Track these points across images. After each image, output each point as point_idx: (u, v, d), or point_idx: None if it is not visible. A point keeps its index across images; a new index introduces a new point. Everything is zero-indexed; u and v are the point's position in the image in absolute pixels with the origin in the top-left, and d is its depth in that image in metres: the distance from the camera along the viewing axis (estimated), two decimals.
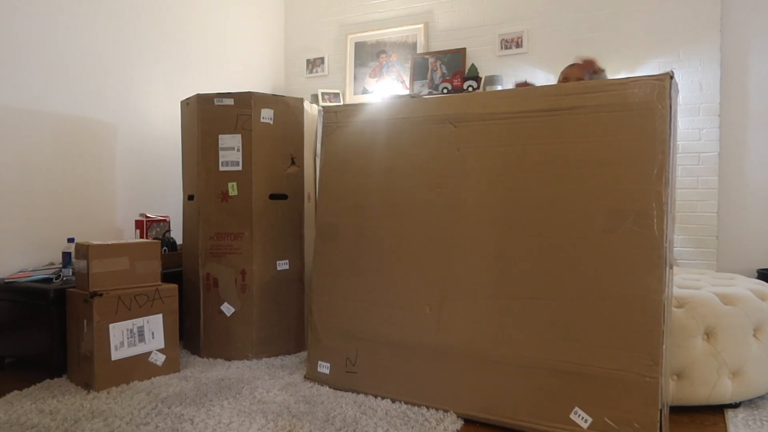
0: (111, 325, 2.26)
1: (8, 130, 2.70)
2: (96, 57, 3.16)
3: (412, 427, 1.88)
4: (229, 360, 2.66)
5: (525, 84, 3.09)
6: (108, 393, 2.18)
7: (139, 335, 2.34)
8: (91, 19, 3.13)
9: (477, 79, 3.96)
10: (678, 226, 3.51)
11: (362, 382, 2.20)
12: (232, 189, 2.69)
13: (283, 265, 2.77)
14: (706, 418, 1.99)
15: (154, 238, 3.12)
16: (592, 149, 1.85)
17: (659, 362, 1.68)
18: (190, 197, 2.80)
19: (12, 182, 2.71)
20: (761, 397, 2.16)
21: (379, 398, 2.14)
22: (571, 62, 3.64)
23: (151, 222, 3.18)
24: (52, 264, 2.83)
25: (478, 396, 1.96)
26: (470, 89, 3.95)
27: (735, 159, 3.44)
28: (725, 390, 2.01)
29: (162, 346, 2.42)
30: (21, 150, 2.76)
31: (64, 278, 2.58)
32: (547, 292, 1.88)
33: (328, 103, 4.44)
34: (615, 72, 3.65)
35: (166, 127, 3.64)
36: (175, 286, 2.48)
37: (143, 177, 3.48)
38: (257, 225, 2.69)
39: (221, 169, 2.69)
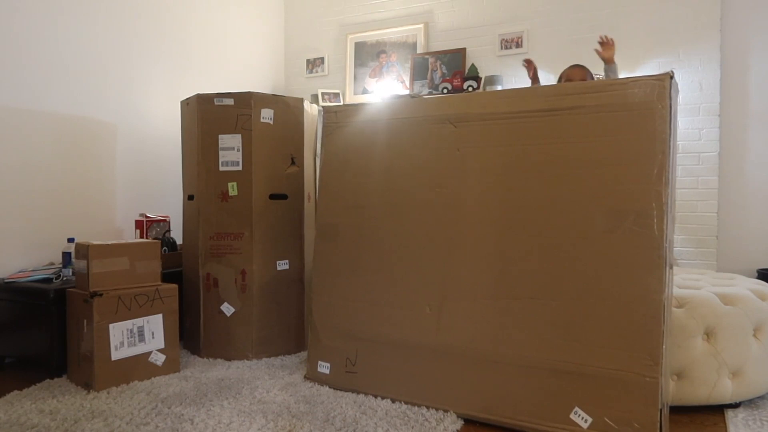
0: (111, 325, 2.26)
1: (8, 130, 2.70)
2: (96, 57, 3.16)
3: (412, 427, 1.88)
4: (229, 360, 2.66)
5: (530, 62, 3.08)
6: (108, 393, 2.18)
7: (139, 335, 2.34)
8: (91, 19, 3.13)
9: (477, 79, 3.96)
10: (678, 226, 3.51)
11: (362, 382, 2.20)
12: (232, 189, 2.69)
13: (283, 265, 2.77)
14: (706, 418, 1.99)
15: (154, 238, 3.12)
16: (592, 149, 1.85)
17: (659, 362, 1.68)
18: (190, 197, 2.80)
19: (12, 182, 2.71)
20: (761, 397, 2.16)
21: (379, 398, 2.14)
22: (572, 63, 3.64)
23: (151, 222, 3.18)
24: (52, 264, 2.83)
25: (478, 396, 1.96)
26: (470, 89, 3.95)
27: (735, 159, 3.44)
28: (725, 390, 2.01)
29: (162, 346, 2.42)
30: (21, 150, 2.76)
31: (64, 278, 2.58)
32: (547, 292, 1.88)
33: (328, 103, 4.44)
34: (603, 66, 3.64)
35: (166, 127, 3.64)
36: (175, 286, 2.48)
37: (143, 177, 3.48)
38: (257, 225, 2.69)
39: (221, 169, 2.69)
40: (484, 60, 4.10)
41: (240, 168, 2.68)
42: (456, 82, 4.02)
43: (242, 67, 4.41)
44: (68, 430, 1.84)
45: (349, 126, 2.36)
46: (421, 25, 4.32)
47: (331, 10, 4.73)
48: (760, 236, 3.40)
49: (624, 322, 1.74)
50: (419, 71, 4.27)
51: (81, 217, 3.06)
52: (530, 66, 3.08)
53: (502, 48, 4.03)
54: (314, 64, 4.79)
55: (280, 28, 4.91)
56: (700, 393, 2.00)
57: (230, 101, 2.67)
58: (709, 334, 2.01)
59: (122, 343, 2.29)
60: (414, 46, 4.34)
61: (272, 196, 2.74)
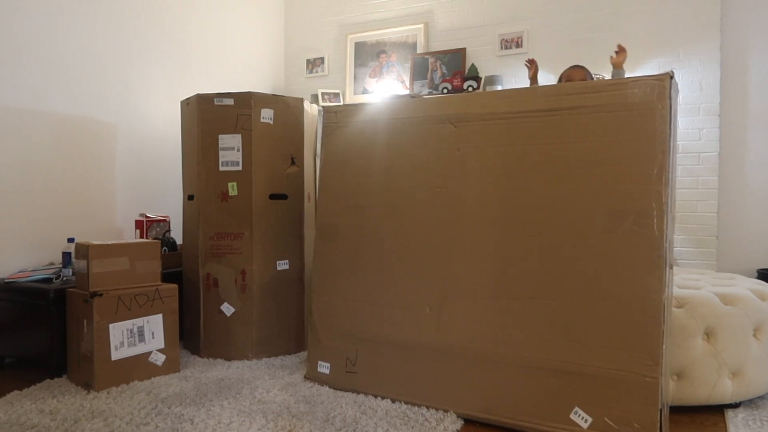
0: (111, 325, 2.26)
1: (8, 130, 2.70)
2: (96, 57, 3.16)
3: (412, 427, 1.88)
4: (229, 360, 2.66)
5: (533, 61, 3.07)
6: (108, 393, 2.18)
7: (139, 335, 2.34)
8: (91, 19, 3.13)
9: (477, 79, 3.96)
10: (678, 226, 3.51)
11: (362, 382, 2.20)
12: (232, 189, 2.69)
13: (283, 265, 2.77)
14: (706, 418, 1.99)
15: (154, 238, 3.12)
16: (592, 149, 1.85)
17: (659, 362, 1.68)
18: (190, 197, 2.80)
19: (12, 182, 2.71)
20: (761, 397, 2.16)
21: (379, 398, 2.14)
22: (573, 64, 3.64)
23: (151, 222, 3.18)
24: (52, 264, 2.83)
25: (478, 396, 1.96)
26: (470, 89, 3.95)
27: (735, 159, 3.44)
28: (725, 390, 2.01)
29: (162, 346, 2.42)
30: (21, 150, 2.76)
31: (64, 278, 2.58)
32: (547, 292, 1.88)
33: (328, 103, 4.44)
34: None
35: (166, 127, 3.64)
36: (175, 286, 2.48)
37: (143, 177, 3.48)
38: (257, 225, 2.69)
39: (221, 169, 2.69)
40: (484, 60, 4.10)
41: (240, 168, 2.68)
42: (456, 82, 4.02)
43: (242, 67, 4.41)
44: (68, 430, 1.84)
45: (349, 126, 2.36)
46: (421, 25, 4.32)
47: (331, 10, 4.73)
48: (760, 236, 3.40)
49: (624, 322, 1.74)
50: (419, 71, 4.27)
51: (81, 217, 3.06)
52: (532, 65, 3.08)
53: (502, 48, 4.03)
54: (314, 64, 4.79)
55: (280, 28, 4.91)
56: (700, 393, 2.00)
57: (230, 101, 2.67)
58: (709, 334, 2.01)
59: (122, 343, 2.29)
60: (414, 46, 4.34)
61: (272, 196, 2.74)
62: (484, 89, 3.97)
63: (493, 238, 2.00)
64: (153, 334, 2.39)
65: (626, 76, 3.31)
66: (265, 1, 4.69)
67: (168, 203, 3.63)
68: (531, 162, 1.95)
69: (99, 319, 2.22)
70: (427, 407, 2.04)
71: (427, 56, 4.26)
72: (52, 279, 2.56)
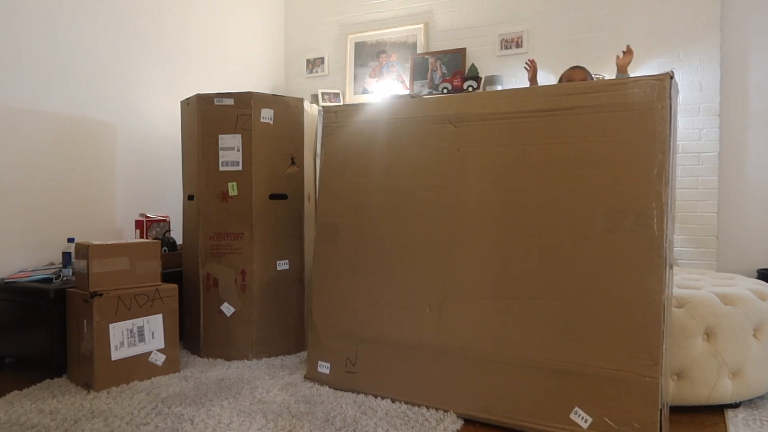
0: (111, 325, 2.26)
1: (8, 130, 2.70)
2: (96, 57, 3.16)
3: (412, 427, 1.88)
4: (229, 360, 2.66)
5: (533, 62, 3.07)
6: (108, 393, 2.18)
7: (139, 335, 2.34)
8: (91, 19, 3.13)
9: (477, 79, 3.96)
10: (678, 226, 3.51)
11: (362, 382, 2.20)
12: (232, 189, 2.69)
13: (283, 265, 2.77)
14: (706, 418, 1.99)
15: (154, 238, 3.12)
16: (592, 149, 1.85)
17: (659, 362, 1.68)
18: (190, 197, 2.80)
19: (12, 182, 2.71)
20: (761, 397, 2.16)
21: (379, 398, 2.14)
22: (573, 64, 3.64)
23: (151, 222, 3.18)
24: (52, 264, 2.83)
25: (478, 396, 1.96)
26: (470, 89, 3.95)
27: (735, 159, 3.44)
28: (725, 390, 2.01)
29: (162, 346, 2.42)
30: (21, 150, 2.76)
31: (64, 278, 2.58)
32: (547, 292, 1.88)
33: (328, 103, 4.44)
34: (615, 72, 3.65)
35: (166, 127, 3.64)
36: (175, 286, 2.48)
37: (143, 177, 3.48)
38: (257, 225, 2.69)
39: (221, 169, 2.69)
40: (484, 60, 4.10)
41: (240, 168, 2.68)
42: (456, 82, 4.02)
43: (242, 67, 4.41)
44: (68, 430, 1.84)
45: (349, 126, 2.36)
46: (421, 25, 4.32)
47: (331, 10, 4.73)
48: (760, 236, 3.40)
49: (624, 322, 1.74)
50: (419, 71, 4.27)
51: (81, 217, 3.06)
52: (532, 66, 3.08)
53: (502, 48, 4.03)
54: (314, 64, 4.79)
55: (280, 28, 4.91)
56: (700, 393, 2.00)
57: (230, 101, 2.67)
58: (709, 334, 2.01)
59: (122, 343, 2.29)
60: (414, 46, 4.34)
61: (272, 196, 2.74)
62: (484, 89, 3.97)
63: (493, 238, 2.00)
64: (153, 334, 2.39)
65: (610, 76, 3.31)
66: (265, 1, 4.69)
67: (168, 203, 3.63)
68: (531, 162, 1.95)
69: (99, 319, 2.22)
70: (427, 407, 2.04)
71: (427, 56, 4.26)
72: (52, 279, 2.56)
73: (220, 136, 2.68)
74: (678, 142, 3.50)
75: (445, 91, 4.03)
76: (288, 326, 2.79)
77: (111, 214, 3.25)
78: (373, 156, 2.29)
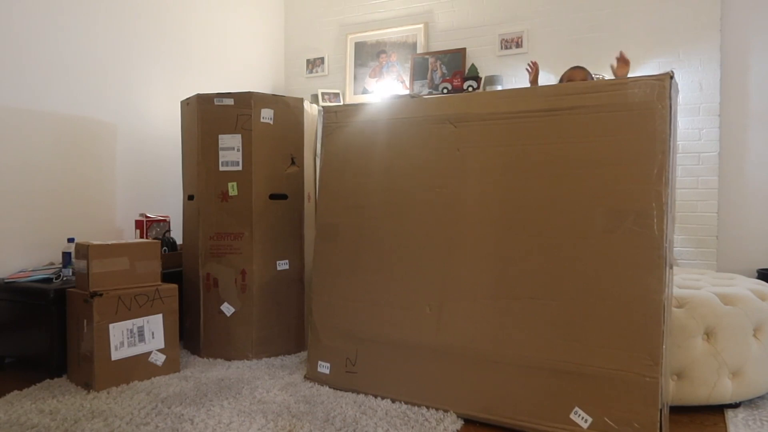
0: (111, 325, 2.26)
1: (8, 130, 2.70)
2: (96, 57, 3.16)
3: (412, 427, 1.88)
4: (229, 360, 2.66)
5: (534, 64, 3.06)
6: (108, 393, 2.18)
7: (139, 335, 2.34)
8: (91, 19, 3.13)
9: (477, 79, 3.96)
10: (678, 226, 3.51)
11: (362, 382, 2.20)
12: (232, 189, 2.69)
13: (283, 265, 2.77)
14: (706, 418, 1.99)
15: (154, 238, 3.12)
16: (592, 149, 1.85)
17: (659, 362, 1.68)
18: (190, 197, 2.80)
19: (12, 182, 2.71)
20: (761, 397, 2.16)
21: (379, 398, 2.14)
22: (573, 64, 3.64)
23: (151, 222, 3.18)
24: (52, 264, 2.83)
25: (478, 396, 1.96)
26: (470, 89, 3.95)
27: (735, 159, 3.44)
28: (725, 390, 2.01)
29: (162, 346, 2.42)
30: (21, 150, 2.76)
31: (64, 278, 2.58)
32: (547, 292, 1.88)
33: (328, 103, 4.44)
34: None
35: (166, 127, 3.64)
36: (175, 286, 2.48)
37: (143, 177, 3.48)
38: (257, 225, 2.69)
39: (221, 169, 2.69)
40: (484, 60, 4.10)
41: (240, 168, 2.68)
42: (456, 82, 4.02)
43: (242, 67, 4.41)
44: (68, 430, 1.84)
45: (349, 126, 2.36)
46: (421, 25, 4.31)
47: (331, 10, 4.73)
48: (760, 236, 3.40)
49: (624, 322, 1.74)
50: (419, 71, 4.27)
51: (81, 217, 3.06)
52: (534, 68, 3.06)
53: (502, 48, 4.03)
54: (314, 64, 4.79)
55: (280, 28, 4.91)
56: (700, 393, 2.00)
57: (230, 101, 2.67)
58: (709, 334, 2.01)
59: (122, 343, 2.29)
60: (414, 46, 4.34)
61: (272, 196, 2.74)
62: (484, 89, 3.97)
63: (493, 238, 2.00)
64: (153, 334, 2.39)
65: (609, 77, 3.30)
66: (265, 1, 4.69)
67: (168, 203, 3.63)
68: (531, 162, 1.95)
69: (99, 319, 2.22)
70: (427, 407, 2.04)
71: (427, 56, 4.26)
72: (52, 279, 2.56)
73: (220, 136, 2.68)
74: (678, 142, 3.50)
75: (445, 91, 4.03)
76: (288, 326, 2.79)
77: (111, 214, 3.25)
78: (373, 156, 2.29)
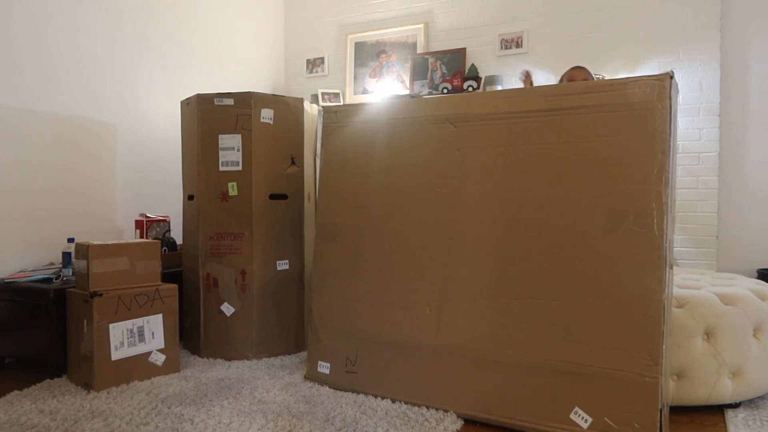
0: (111, 325, 2.26)
1: (8, 130, 2.70)
2: (96, 57, 3.16)
3: (412, 427, 1.88)
4: (229, 360, 2.66)
5: (527, 74, 3.06)
6: (108, 393, 2.18)
7: (139, 335, 2.34)
8: (91, 19, 3.13)
9: (477, 79, 3.96)
10: (678, 226, 3.51)
11: (362, 382, 2.20)
12: (232, 189, 2.69)
13: (283, 265, 2.77)
14: (706, 418, 1.99)
15: (154, 238, 3.12)
16: (592, 149, 1.85)
17: (659, 362, 1.68)
18: (190, 197, 2.80)
19: (12, 182, 2.71)
20: (761, 397, 2.16)
21: (379, 398, 2.14)
22: (573, 64, 3.64)
23: (151, 222, 3.18)
24: (52, 264, 2.83)
25: (478, 396, 1.96)
26: (470, 89, 3.95)
27: (735, 159, 3.44)
28: (725, 390, 2.01)
29: (162, 346, 2.42)
30: (21, 150, 2.76)
31: (64, 278, 2.58)
32: (547, 292, 1.88)
33: (328, 103, 4.44)
34: (615, 72, 3.65)
35: (166, 127, 3.64)
36: (175, 286, 2.48)
37: (143, 177, 3.48)
38: (257, 225, 2.69)
39: (221, 169, 2.69)
40: (484, 60, 4.10)
41: (240, 168, 2.68)
42: (456, 82, 4.02)
43: (242, 67, 4.42)
44: (68, 430, 1.84)
45: (349, 126, 2.36)
46: (421, 25, 4.32)
47: (331, 10, 4.73)
48: (760, 236, 3.40)
49: (624, 322, 1.74)
50: (419, 71, 4.27)
51: (81, 217, 3.06)
52: (527, 79, 3.06)
53: (502, 48, 4.03)
54: (314, 64, 4.79)
55: (280, 28, 4.91)
56: (700, 393, 2.00)
57: (230, 101, 2.67)
58: (709, 334, 2.01)
59: (122, 343, 2.29)
60: (414, 46, 4.34)
61: (272, 196, 2.74)
62: (484, 89, 3.97)
63: (493, 238, 2.00)
64: (153, 334, 2.39)
65: (623, 75, 3.30)
66: (265, 1, 4.69)
67: (168, 203, 3.63)
68: (531, 162, 1.95)
69: (99, 319, 2.22)
70: (427, 407, 2.04)
71: (427, 56, 4.26)
72: (52, 279, 2.56)
73: (220, 136, 2.68)
74: (678, 142, 3.50)
75: (445, 91, 4.04)
76: (288, 326, 2.79)
77: (111, 214, 3.25)
78: (373, 156, 2.29)
